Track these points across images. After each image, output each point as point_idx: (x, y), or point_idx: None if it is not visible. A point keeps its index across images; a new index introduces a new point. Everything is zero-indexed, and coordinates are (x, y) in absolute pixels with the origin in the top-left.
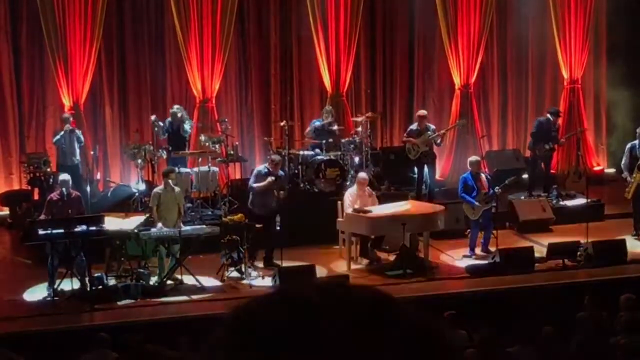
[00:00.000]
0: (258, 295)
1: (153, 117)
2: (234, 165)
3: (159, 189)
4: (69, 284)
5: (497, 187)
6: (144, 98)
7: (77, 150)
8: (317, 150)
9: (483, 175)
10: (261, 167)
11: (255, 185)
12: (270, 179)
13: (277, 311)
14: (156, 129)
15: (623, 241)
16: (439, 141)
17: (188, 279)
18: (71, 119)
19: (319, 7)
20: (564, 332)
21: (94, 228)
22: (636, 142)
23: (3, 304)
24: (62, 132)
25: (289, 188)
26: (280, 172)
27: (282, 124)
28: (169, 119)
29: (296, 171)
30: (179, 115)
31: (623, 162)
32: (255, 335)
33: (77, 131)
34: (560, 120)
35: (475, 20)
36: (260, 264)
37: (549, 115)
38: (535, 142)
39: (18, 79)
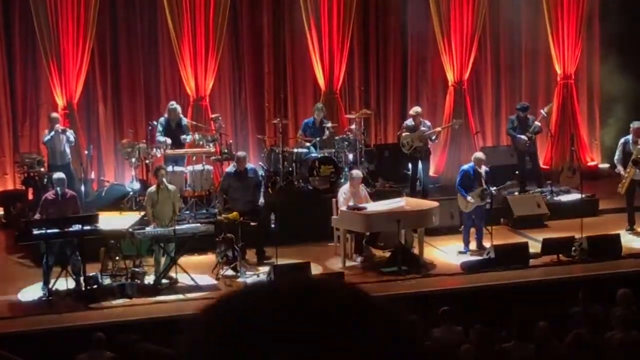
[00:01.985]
0: (228, 293)
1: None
2: (228, 164)
3: (152, 188)
4: (64, 284)
5: (494, 188)
6: (137, 96)
7: (68, 150)
8: (311, 148)
9: (483, 172)
10: (230, 167)
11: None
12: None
13: (246, 307)
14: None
15: (617, 236)
16: (433, 137)
17: (183, 278)
18: (60, 118)
19: (311, 5)
20: (558, 327)
21: (88, 227)
22: (629, 136)
23: None
24: (52, 132)
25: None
26: (249, 167)
27: (275, 121)
28: (165, 116)
29: (290, 169)
30: (178, 110)
31: (616, 157)
32: (226, 332)
33: (68, 131)
34: (533, 112)
35: (468, 16)
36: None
37: (518, 112)
38: (512, 139)
39: (11, 78)
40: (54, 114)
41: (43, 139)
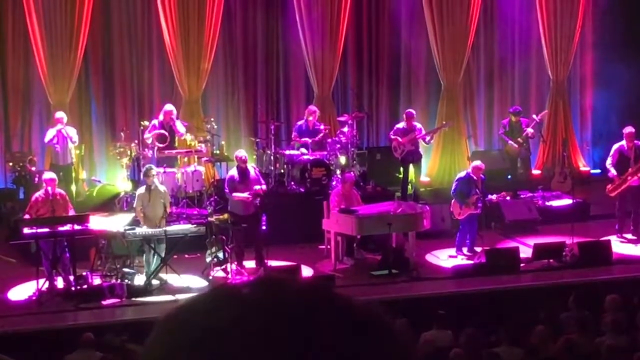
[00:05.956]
0: (193, 295)
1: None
2: (220, 165)
3: (142, 188)
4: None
5: (491, 196)
6: (129, 97)
7: (71, 151)
8: (303, 150)
9: (480, 180)
10: (232, 171)
11: (233, 194)
12: (246, 194)
13: (208, 309)
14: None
15: (608, 242)
16: (427, 139)
17: (173, 279)
18: (65, 117)
19: (305, 7)
20: (549, 332)
21: (79, 227)
22: (624, 142)
23: None
24: (54, 132)
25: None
26: (251, 167)
27: (268, 123)
28: (160, 118)
29: (282, 171)
30: (173, 114)
31: (609, 160)
32: (187, 335)
33: (70, 130)
34: (532, 117)
35: (461, 20)
36: (247, 264)
37: (510, 115)
38: (504, 143)
39: (3, 76)
40: (59, 113)
41: (45, 139)
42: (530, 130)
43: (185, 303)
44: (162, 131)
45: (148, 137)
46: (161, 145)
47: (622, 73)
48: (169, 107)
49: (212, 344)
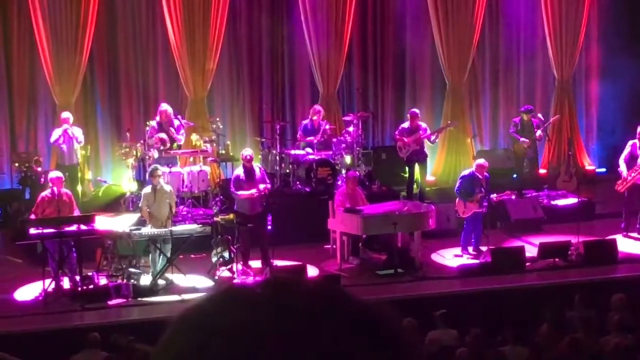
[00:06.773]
0: (205, 295)
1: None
2: (226, 165)
3: (147, 188)
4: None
5: (494, 195)
6: (135, 97)
7: (77, 151)
8: (309, 150)
9: (485, 178)
10: (238, 170)
11: (238, 192)
12: (252, 191)
13: (219, 310)
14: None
15: (614, 241)
16: (432, 138)
17: (179, 279)
18: (71, 117)
19: (310, 7)
20: (554, 331)
21: (85, 227)
22: (637, 141)
23: None
24: (60, 132)
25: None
26: (256, 167)
27: (273, 123)
28: (157, 119)
29: (287, 171)
30: (169, 112)
31: (622, 157)
32: (198, 336)
33: (76, 130)
34: (538, 116)
35: (466, 19)
36: (253, 264)
37: (522, 114)
38: (514, 141)
39: (8, 77)
40: (65, 113)
41: (50, 139)
42: (539, 132)
43: (196, 304)
44: (163, 135)
45: (150, 140)
46: (163, 148)
47: (627, 69)
48: (164, 106)
49: (223, 344)
